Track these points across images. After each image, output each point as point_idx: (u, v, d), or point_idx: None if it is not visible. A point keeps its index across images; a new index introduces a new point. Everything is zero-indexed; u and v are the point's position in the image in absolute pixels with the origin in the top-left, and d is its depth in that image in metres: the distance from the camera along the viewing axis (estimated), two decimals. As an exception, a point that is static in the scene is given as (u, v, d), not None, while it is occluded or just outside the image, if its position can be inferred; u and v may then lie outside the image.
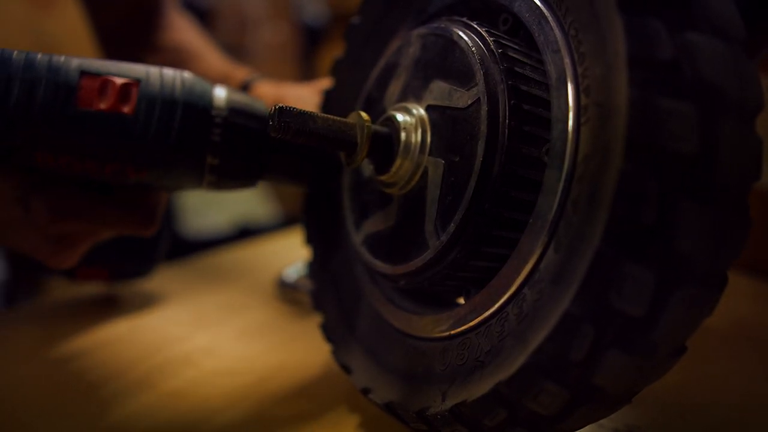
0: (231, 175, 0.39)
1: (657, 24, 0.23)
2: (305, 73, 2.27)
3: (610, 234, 0.22)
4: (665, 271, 0.22)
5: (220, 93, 0.38)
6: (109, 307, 0.56)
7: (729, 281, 0.24)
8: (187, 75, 0.37)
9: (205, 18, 1.73)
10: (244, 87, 0.56)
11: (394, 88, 0.38)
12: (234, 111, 0.38)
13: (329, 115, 0.34)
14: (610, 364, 0.24)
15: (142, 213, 0.39)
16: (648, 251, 0.22)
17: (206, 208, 1.77)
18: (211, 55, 0.61)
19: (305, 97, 0.52)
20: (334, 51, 0.48)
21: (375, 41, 0.43)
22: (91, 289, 0.59)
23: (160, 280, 0.65)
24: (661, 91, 0.22)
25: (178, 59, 0.59)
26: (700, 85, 0.22)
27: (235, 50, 2.09)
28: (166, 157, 0.36)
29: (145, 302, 0.57)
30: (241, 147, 0.38)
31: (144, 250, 0.54)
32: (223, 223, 1.57)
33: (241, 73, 0.58)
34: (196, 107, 0.36)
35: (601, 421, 0.37)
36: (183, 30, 0.63)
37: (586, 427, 0.36)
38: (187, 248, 0.77)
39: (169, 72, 0.37)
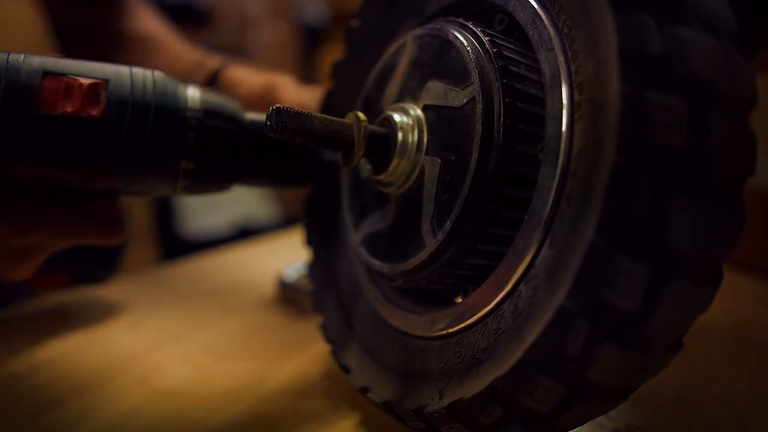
0: (206, 179, 0.37)
1: (647, 19, 0.23)
2: (305, 73, 2.27)
3: (602, 228, 0.23)
4: (658, 265, 0.22)
5: (194, 93, 0.36)
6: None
7: (729, 281, 0.25)
8: (158, 74, 0.35)
9: (204, 18, 1.73)
10: (215, 74, 0.53)
11: (392, 88, 0.38)
12: (209, 112, 0.36)
13: (326, 116, 0.34)
14: (605, 359, 0.24)
15: (109, 222, 0.37)
16: (640, 245, 0.22)
17: (206, 208, 1.78)
18: (177, 44, 0.58)
19: (288, 83, 0.50)
20: (334, 51, 0.48)
21: (374, 43, 0.43)
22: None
23: (161, 279, 0.65)
24: (651, 86, 0.22)
25: (143, 49, 0.56)
26: (690, 79, 0.23)
27: (235, 50, 2.10)
28: (139, 162, 0.34)
29: (144, 301, 0.58)
30: (217, 150, 0.37)
31: (106, 254, 0.51)
32: (223, 223, 1.58)
33: (211, 61, 0.55)
34: (170, 109, 0.34)
35: (601, 421, 0.37)
36: (146, 19, 0.60)
37: (586, 427, 0.36)
38: (187, 248, 0.77)
39: (139, 71, 0.34)
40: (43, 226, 0.35)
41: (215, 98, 0.37)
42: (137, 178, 0.35)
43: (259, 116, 0.39)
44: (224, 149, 0.37)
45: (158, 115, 0.34)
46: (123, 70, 0.34)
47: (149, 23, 0.60)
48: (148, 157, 0.34)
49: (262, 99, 0.51)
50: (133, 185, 0.35)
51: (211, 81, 0.50)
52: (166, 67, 0.45)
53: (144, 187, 0.36)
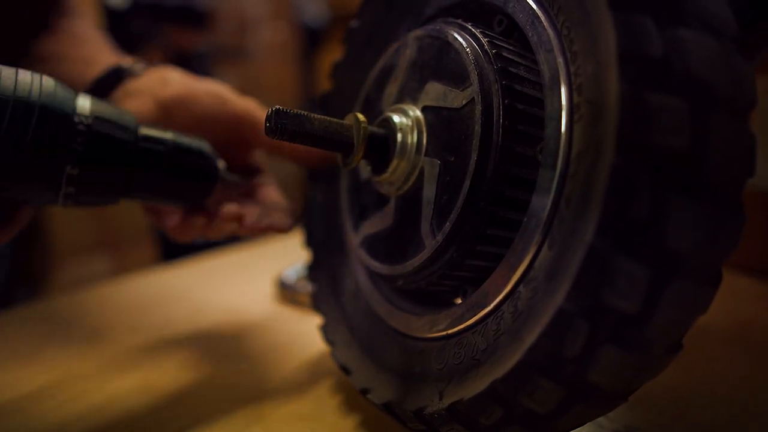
0: (92, 188, 0.36)
1: (646, 20, 0.23)
2: (305, 73, 2.27)
3: (602, 229, 0.23)
4: (658, 266, 0.22)
5: (84, 101, 0.35)
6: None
7: (729, 282, 0.24)
8: (47, 78, 0.34)
9: (205, 19, 1.73)
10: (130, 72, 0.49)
11: (391, 89, 0.38)
12: (99, 119, 0.35)
13: (325, 117, 0.34)
14: (605, 361, 0.24)
15: None
16: (640, 246, 0.22)
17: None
18: (101, 44, 0.55)
19: (214, 87, 0.47)
20: (334, 51, 0.47)
21: (374, 44, 0.43)
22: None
23: (160, 280, 0.65)
24: (651, 87, 0.22)
25: (70, 44, 0.53)
26: (690, 80, 0.23)
27: (235, 50, 2.10)
28: (19, 164, 0.33)
29: (145, 301, 0.57)
30: (105, 159, 0.36)
31: None
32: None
33: (129, 61, 0.52)
34: (57, 112, 0.33)
35: (601, 422, 0.37)
36: (81, 16, 0.58)
37: (586, 427, 0.36)
38: (187, 248, 0.76)
39: (26, 73, 0.33)
40: None
41: (108, 108, 0.37)
42: (15, 181, 0.33)
43: (154, 130, 0.39)
44: (113, 158, 0.36)
45: (43, 116, 0.33)
46: (7, 70, 0.33)
47: (82, 21, 0.57)
48: (30, 159, 0.33)
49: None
50: (10, 189, 0.34)
51: (110, 83, 0.47)
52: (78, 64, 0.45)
53: (22, 192, 0.34)
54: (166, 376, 0.44)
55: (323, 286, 0.45)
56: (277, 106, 0.32)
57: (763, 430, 0.38)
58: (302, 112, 0.33)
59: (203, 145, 0.41)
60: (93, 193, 0.37)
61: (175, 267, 0.69)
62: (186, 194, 0.41)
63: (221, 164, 0.42)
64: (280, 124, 0.32)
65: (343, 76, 0.46)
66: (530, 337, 0.25)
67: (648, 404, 0.39)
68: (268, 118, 0.32)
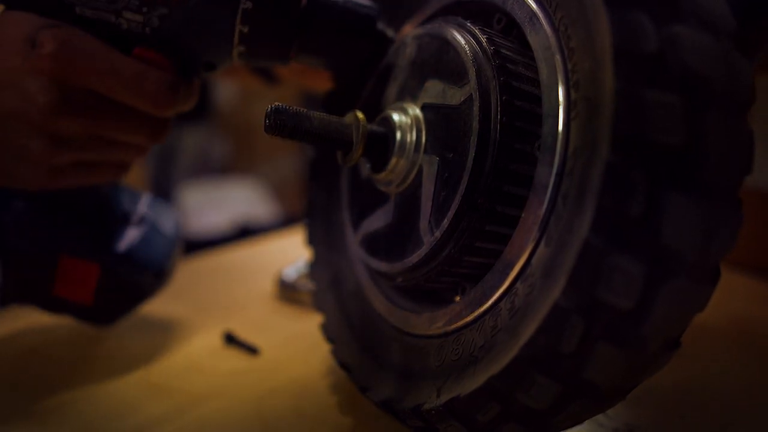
0: (262, 46, 0.37)
1: (642, 17, 0.23)
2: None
3: (597, 225, 0.23)
4: (653, 263, 0.22)
5: None
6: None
7: (729, 281, 0.24)
8: None
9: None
10: None
11: (392, 88, 0.38)
12: None
13: (325, 115, 0.34)
14: (601, 357, 0.24)
15: (157, 85, 0.36)
16: (635, 243, 0.22)
17: (206, 208, 1.78)
18: None
19: None
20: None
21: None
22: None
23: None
24: (646, 83, 0.22)
25: None
26: (686, 77, 0.23)
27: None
28: (194, 18, 0.35)
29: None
30: (274, 15, 0.36)
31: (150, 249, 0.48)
32: (223, 223, 1.58)
33: None
34: None
35: (601, 421, 0.37)
36: None
37: (585, 426, 0.36)
38: (187, 248, 0.76)
39: None
40: (90, 62, 0.35)
41: None
42: (193, 35, 0.36)
43: None
44: (282, 15, 0.37)
45: None
46: None
47: None
48: (203, 14, 0.35)
49: None
50: (189, 45, 0.36)
51: None
52: None
53: (201, 46, 0.36)
54: (164, 374, 0.44)
55: (324, 284, 0.45)
56: (277, 104, 0.33)
57: (763, 429, 0.38)
58: (301, 109, 0.33)
59: (372, 6, 0.40)
60: (263, 50, 0.38)
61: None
62: (351, 56, 0.41)
63: (390, 33, 0.41)
64: (279, 122, 0.32)
65: (344, 76, 0.46)
66: (526, 333, 0.25)
67: (648, 403, 0.39)
68: (267, 116, 0.32)
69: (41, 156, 0.37)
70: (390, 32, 0.41)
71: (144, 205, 0.48)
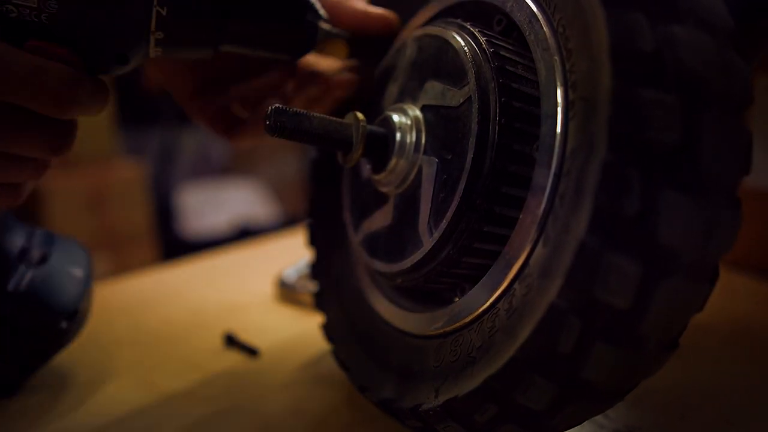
0: (184, 31, 0.33)
1: (639, 16, 0.23)
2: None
3: (593, 225, 0.23)
4: (650, 262, 0.22)
5: None
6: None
7: (729, 281, 0.24)
8: None
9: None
10: None
11: (392, 89, 0.38)
12: None
13: (324, 115, 0.34)
14: (598, 357, 0.24)
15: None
16: (632, 242, 0.22)
17: (206, 209, 1.78)
18: None
19: None
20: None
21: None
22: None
23: (161, 280, 0.65)
24: (642, 83, 0.22)
25: None
26: (683, 76, 0.23)
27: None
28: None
29: (145, 301, 0.58)
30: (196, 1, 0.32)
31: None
32: (223, 223, 1.58)
33: None
34: None
35: (601, 422, 0.37)
36: None
37: (585, 427, 0.36)
38: (187, 249, 0.76)
39: None
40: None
41: None
42: (104, 15, 0.31)
43: None
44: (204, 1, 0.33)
45: None
46: None
47: None
48: None
49: None
50: (98, 23, 0.31)
51: None
52: None
53: (113, 28, 0.31)
54: (164, 374, 0.44)
55: (325, 284, 0.45)
56: (277, 105, 0.33)
57: (763, 429, 0.38)
58: (301, 110, 0.33)
59: None
60: (186, 40, 0.33)
61: (175, 266, 0.69)
62: (284, 44, 0.37)
63: (326, 26, 0.38)
64: (279, 122, 0.32)
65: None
66: (523, 334, 0.25)
67: (649, 404, 0.39)
68: (267, 117, 0.32)
69: None
70: (326, 25, 0.38)
71: (41, 241, 0.42)
